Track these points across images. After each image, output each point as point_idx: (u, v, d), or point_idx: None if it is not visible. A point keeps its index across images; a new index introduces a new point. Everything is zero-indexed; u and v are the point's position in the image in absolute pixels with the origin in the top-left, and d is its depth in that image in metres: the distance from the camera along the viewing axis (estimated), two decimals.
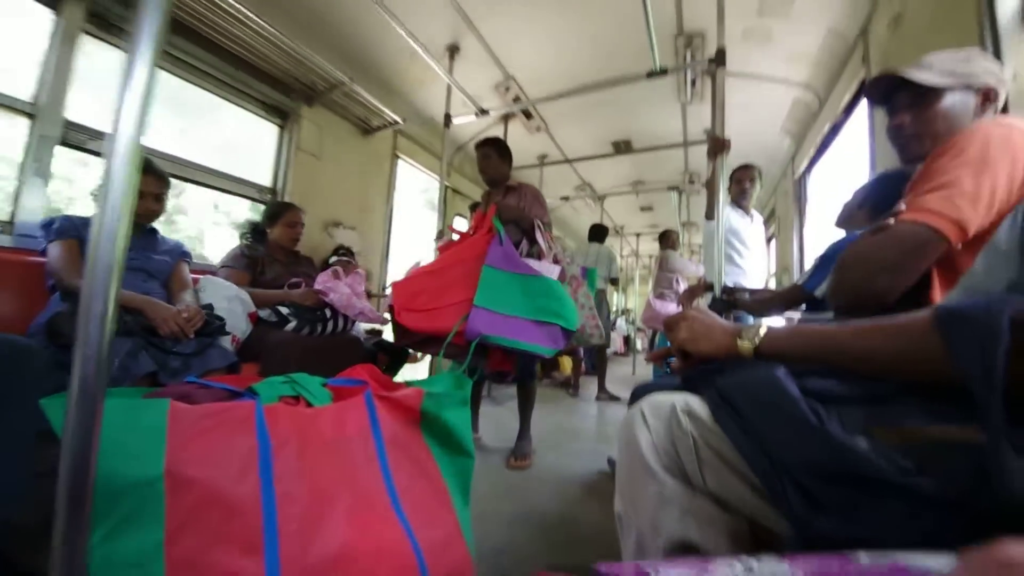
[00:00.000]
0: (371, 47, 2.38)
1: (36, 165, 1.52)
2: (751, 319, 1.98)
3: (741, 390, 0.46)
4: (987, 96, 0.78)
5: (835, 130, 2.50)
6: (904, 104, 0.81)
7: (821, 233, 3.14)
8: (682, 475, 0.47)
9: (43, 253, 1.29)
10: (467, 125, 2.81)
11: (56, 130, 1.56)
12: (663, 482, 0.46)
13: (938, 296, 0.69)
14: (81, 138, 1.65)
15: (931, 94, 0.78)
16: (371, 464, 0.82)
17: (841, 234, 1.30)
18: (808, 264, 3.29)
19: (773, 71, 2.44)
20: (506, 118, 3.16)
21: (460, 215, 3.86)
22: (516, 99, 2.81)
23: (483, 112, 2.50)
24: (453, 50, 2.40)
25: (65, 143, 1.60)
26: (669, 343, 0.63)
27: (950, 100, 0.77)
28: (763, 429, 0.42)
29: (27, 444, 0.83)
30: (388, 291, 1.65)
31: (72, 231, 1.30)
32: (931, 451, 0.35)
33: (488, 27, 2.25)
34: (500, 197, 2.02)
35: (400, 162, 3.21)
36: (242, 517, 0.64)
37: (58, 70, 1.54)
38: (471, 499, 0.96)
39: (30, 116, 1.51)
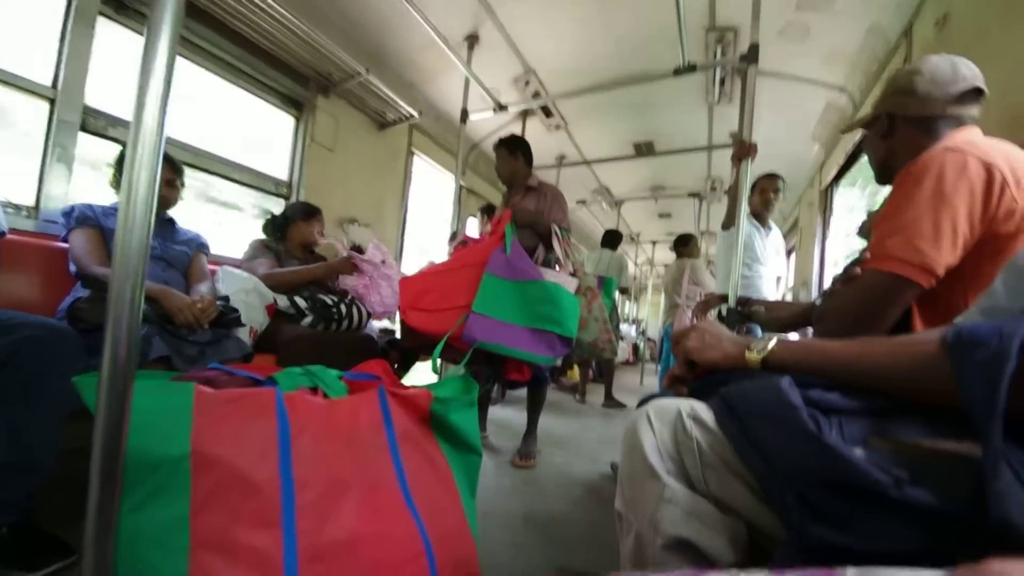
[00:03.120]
0: (387, 35, 2.34)
1: (59, 151, 1.52)
2: (759, 331, 1.90)
3: (744, 397, 0.47)
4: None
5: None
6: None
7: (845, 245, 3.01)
8: (684, 478, 0.48)
9: (65, 240, 1.33)
10: (484, 122, 2.77)
11: (76, 116, 1.55)
12: (665, 483, 0.47)
13: (919, 325, 0.68)
14: (101, 124, 1.64)
15: (872, 125, 0.83)
16: (383, 455, 0.86)
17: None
18: (828, 279, 3.13)
19: (807, 71, 2.34)
20: (524, 115, 3.10)
21: (473, 215, 3.81)
22: (536, 94, 2.75)
23: (501, 108, 2.44)
24: (472, 40, 2.35)
25: (85, 129, 1.59)
26: (674, 358, 0.63)
27: (885, 127, 0.80)
28: (764, 435, 0.43)
29: (60, 422, 0.93)
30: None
31: (92, 219, 1.33)
32: (928, 464, 0.35)
33: (509, 14, 2.18)
34: (520, 197, 1.97)
35: (416, 159, 3.18)
36: (262, 496, 0.67)
37: (75, 53, 1.53)
38: (478, 495, 0.99)
39: (50, 101, 1.51)
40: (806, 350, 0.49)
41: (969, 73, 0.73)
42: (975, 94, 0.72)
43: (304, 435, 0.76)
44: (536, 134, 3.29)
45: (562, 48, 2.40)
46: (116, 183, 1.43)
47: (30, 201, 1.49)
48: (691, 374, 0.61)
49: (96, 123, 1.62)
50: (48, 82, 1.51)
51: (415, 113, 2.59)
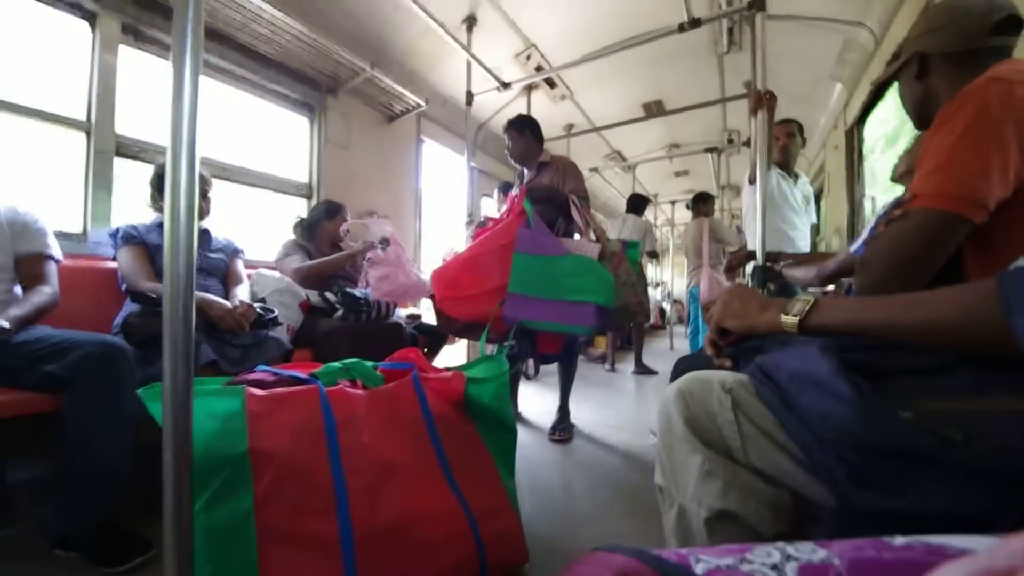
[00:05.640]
0: (387, 28, 2.34)
1: (99, 178, 1.64)
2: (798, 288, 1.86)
3: (781, 365, 0.45)
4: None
5: None
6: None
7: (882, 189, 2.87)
8: (724, 450, 0.47)
9: (114, 259, 1.42)
10: (489, 101, 2.76)
11: (111, 143, 1.66)
12: (705, 456, 0.47)
13: (971, 268, 0.62)
14: (134, 149, 1.75)
15: (903, 70, 0.78)
16: (423, 439, 0.90)
17: (899, 190, 1.16)
18: (860, 224, 3.00)
19: (820, 10, 2.20)
20: (529, 89, 3.06)
21: (487, 195, 3.83)
22: (538, 68, 2.71)
23: (505, 85, 2.42)
24: (470, 21, 2.33)
25: (120, 154, 1.70)
26: (706, 324, 0.61)
27: (917, 68, 0.75)
28: (805, 403, 0.41)
29: (129, 429, 0.97)
30: (425, 277, 1.69)
31: (136, 238, 1.41)
32: (980, 423, 0.33)
33: None
34: (533, 174, 1.98)
35: (425, 146, 3.21)
36: (317, 486, 0.73)
37: (103, 83, 1.63)
38: (517, 471, 1.01)
39: (86, 132, 1.62)
40: (845, 310, 0.46)
41: (1004, 2, 0.68)
42: (1014, 24, 0.67)
43: (349, 426, 0.81)
44: (542, 107, 3.24)
45: (560, 17, 2.34)
46: (154, 202, 1.51)
47: (78, 227, 1.63)
48: (725, 340, 0.59)
49: (129, 148, 1.74)
50: (82, 115, 1.62)
51: (421, 102, 2.60)
